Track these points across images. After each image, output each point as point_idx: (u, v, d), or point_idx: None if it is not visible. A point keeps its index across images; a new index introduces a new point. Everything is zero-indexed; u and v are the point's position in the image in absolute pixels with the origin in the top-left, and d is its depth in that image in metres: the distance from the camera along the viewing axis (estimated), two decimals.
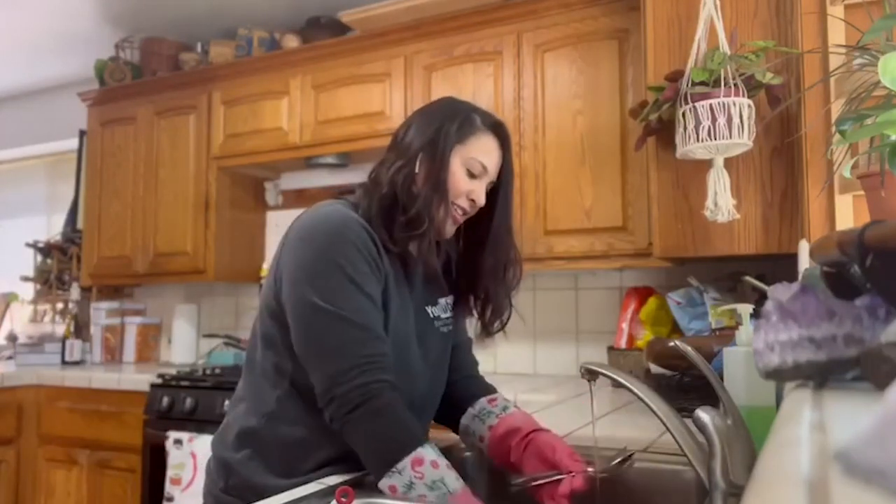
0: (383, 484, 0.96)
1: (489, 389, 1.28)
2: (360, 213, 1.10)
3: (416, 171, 1.11)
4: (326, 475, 1.09)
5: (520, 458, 1.13)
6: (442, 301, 1.24)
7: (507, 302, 1.23)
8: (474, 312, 1.25)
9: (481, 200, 1.15)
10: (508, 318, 1.25)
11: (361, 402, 0.98)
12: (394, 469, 0.95)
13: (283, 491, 1.07)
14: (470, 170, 1.13)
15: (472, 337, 1.33)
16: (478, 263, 1.21)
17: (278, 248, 1.13)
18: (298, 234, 1.09)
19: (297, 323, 1.05)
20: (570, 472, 1.05)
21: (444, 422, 1.28)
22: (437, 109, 1.19)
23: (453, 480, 0.96)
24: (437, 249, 1.17)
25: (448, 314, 1.24)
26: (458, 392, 1.27)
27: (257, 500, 0.98)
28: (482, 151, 1.14)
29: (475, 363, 1.34)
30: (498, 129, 1.18)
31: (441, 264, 1.21)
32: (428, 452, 0.97)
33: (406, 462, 0.95)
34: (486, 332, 1.25)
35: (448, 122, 1.13)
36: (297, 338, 1.05)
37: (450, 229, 1.15)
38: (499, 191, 1.19)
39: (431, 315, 1.21)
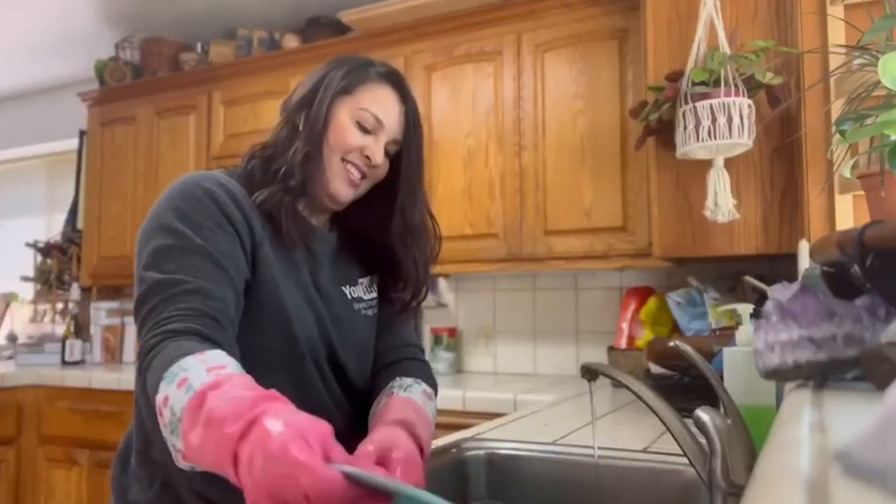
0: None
1: (407, 373, 1.06)
2: (237, 177, 0.97)
3: (300, 126, 0.98)
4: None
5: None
6: (363, 281, 1.09)
7: (419, 272, 1.07)
8: (394, 288, 1.10)
9: (377, 158, 0.99)
10: (425, 295, 1.10)
11: (144, 362, 0.78)
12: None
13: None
14: (360, 122, 0.99)
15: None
16: (385, 233, 1.05)
17: None
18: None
19: None
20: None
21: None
22: (325, 63, 1.04)
23: (182, 396, 0.69)
24: (334, 220, 1.06)
25: (371, 296, 1.09)
26: (376, 383, 1.06)
27: None
28: (375, 102, 1.00)
29: (407, 344, 1.13)
30: (394, 78, 1.04)
31: (357, 241, 1.08)
32: (166, 389, 0.71)
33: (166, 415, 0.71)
34: (402, 308, 1.09)
35: (334, 70, 1.01)
36: None
37: (342, 190, 0.99)
38: (405, 151, 1.04)
39: (350, 296, 1.06)
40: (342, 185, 0.99)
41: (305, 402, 0.76)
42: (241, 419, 0.62)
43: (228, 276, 0.87)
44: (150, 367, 0.75)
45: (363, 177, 1.01)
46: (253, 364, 0.82)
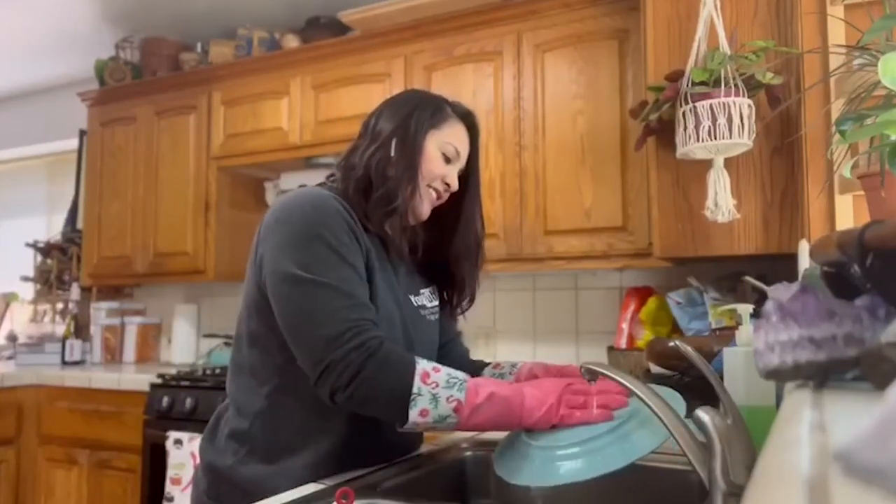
0: (413, 417, 0.95)
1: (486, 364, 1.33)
2: (336, 195, 1.11)
3: (391, 154, 1.13)
4: (321, 473, 1.07)
5: None
6: (425, 291, 1.25)
7: (475, 283, 1.27)
8: (444, 296, 1.29)
9: (455, 184, 1.18)
10: (473, 301, 1.30)
11: (364, 360, 0.96)
12: (412, 396, 0.95)
13: (276, 478, 1.06)
14: (445, 154, 1.17)
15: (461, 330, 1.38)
16: (447, 248, 1.23)
17: (254, 240, 1.12)
18: (274, 217, 1.08)
19: (279, 299, 1.03)
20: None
21: None
22: (407, 98, 1.24)
23: (456, 370, 1.00)
24: (409, 235, 1.18)
25: (434, 304, 1.26)
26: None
27: None
28: (455, 136, 1.19)
29: (468, 351, 1.39)
30: (469, 119, 1.23)
31: (417, 255, 1.22)
32: (423, 363, 0.99)
33: (417, 383, 0.96)
34: (454, 313, 1.30)
35: (420, 108, 1.18)
36: (280, 313, 1.03)
37: (425, 211, 1.17)
38: (468, 176, 1.23)
39: (416, 304, 1.21)
40: (427, 206, 1.17)
41: None
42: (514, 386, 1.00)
43: (366, 289, 1.06)
44: (385, 358, 0.97)
45: (438, 198, 1.18)
46: None
